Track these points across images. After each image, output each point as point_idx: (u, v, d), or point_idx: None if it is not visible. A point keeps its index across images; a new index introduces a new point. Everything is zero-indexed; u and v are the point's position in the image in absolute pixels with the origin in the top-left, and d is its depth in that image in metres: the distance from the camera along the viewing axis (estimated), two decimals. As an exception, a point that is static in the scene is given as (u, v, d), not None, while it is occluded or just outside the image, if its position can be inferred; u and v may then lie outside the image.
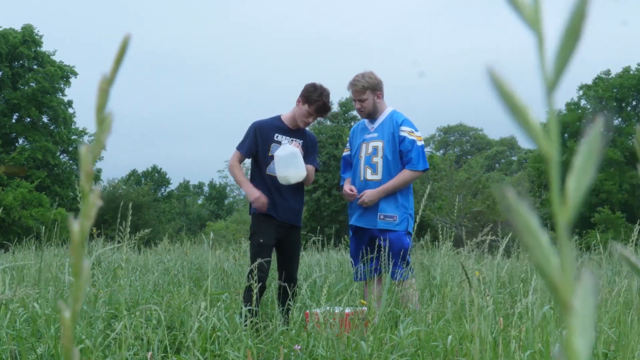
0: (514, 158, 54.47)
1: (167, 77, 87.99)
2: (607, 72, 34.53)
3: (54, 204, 27.42)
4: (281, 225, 4.47)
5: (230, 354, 3.02)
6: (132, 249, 9.04)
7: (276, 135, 4.50)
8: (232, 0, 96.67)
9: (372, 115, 4.64)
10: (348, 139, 4.93)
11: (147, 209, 33.61)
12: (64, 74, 34.22)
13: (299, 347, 3.21)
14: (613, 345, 3.19)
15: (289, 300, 4.02)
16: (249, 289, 4.17)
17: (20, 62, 33.38)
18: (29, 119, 33.32)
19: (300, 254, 4.87)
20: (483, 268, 4.20)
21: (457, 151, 53.14)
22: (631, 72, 33.61)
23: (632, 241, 3.89)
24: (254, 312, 3.98)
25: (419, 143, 4.53)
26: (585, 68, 33.82)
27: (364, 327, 3.34)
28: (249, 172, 4.71)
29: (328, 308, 3.45)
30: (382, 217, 4.49)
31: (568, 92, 35.10)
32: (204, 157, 78.52)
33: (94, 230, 6.34)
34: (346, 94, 30.03)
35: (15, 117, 33.34)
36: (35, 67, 33.47)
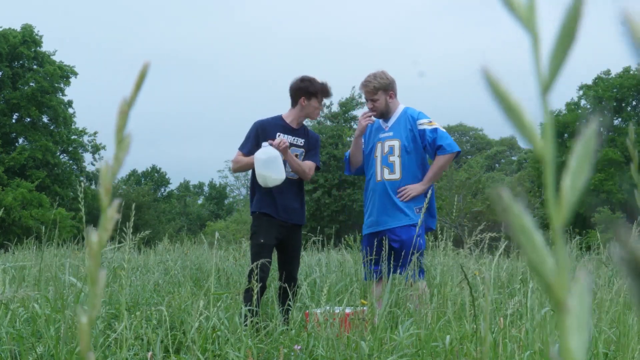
0: (514, 158, 54.45)
1: (167, 77, 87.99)
2: (607, 72, 34.53)
3: (54, 204, 27.40)
4: (282, 225, 4.46)
5: (230, 354, 3.02)
6: (133, 249, 9.04)
7: (278, 134, 4.50)
8: (231, 0, 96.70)
9: (384, 115, 4.63)
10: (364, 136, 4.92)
11: (147, 209, 33.62)
12: (64, 73, 34.23)
13: (299, 347, 3.21)
14: (613, 345, 3.19)
15: (289, 300, 4.02)
16: (249, 289, 4.17)
17: (20, 62, 33.38)
18: (29, 119, 33.32)
19: (301, 254, 4.87)
20: (482, 268, 4.20)
21: (457, 151, 52.96)
22: (631, 72, 33.59)
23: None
24: (254, 312, 3.98)
25: (441, 129, 4.52)
26: (585, 68, 33.83)
27: (364, 327, 3.34)
28: (250, 174, 4.69)
29: (328, 308, 3.45)
30: (417, 210, 4.46)
31: (568, 92, 35.11)
32: (204, 157, 78.54)
33: (94, 230, 6.33)
34: (346, 94, 29.94)
35: (15, 117, 33.34)
36: (35, 67, 33.47)
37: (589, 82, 34.37)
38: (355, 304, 4.00)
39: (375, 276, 4.48)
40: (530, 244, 0.31)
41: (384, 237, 4.47)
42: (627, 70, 33.68)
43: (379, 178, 4.57)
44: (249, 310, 3.85)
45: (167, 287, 5.71)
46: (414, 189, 4.46)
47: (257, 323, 3.68)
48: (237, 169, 4.69)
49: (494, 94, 0.31)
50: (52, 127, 33.98)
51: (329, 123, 29.77)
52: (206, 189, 59.44)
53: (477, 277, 3.68)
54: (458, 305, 3.75)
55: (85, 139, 35.53)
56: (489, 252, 6.96)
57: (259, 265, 3.96)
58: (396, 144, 4.55)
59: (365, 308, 3.61)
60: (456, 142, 4.57)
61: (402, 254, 4.24)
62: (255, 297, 3.97)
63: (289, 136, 4.52)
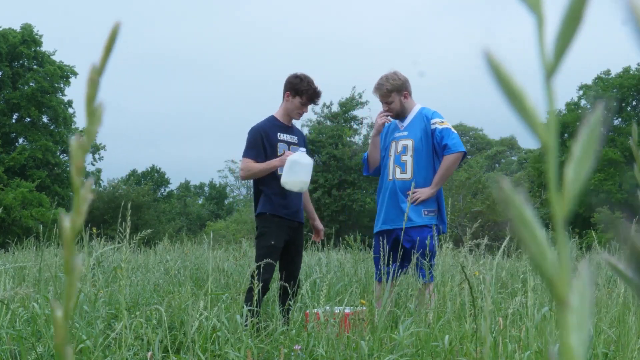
0: (514, 158, 54.46)
1: (167, 77, 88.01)
2: (607, 72, 34.53)
3: (54, 203, 27.42)
4: (290, 226, 4.45)
5: (230, 354, 3.02)
6: (133, 249, 9.03)
7: (279, 134, 4.49)
8: (232, 0, 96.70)
9: (400, 115, 4.61)
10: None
11: (147, 209, 33.60)
12: (64, 73, 34.23)
13: (299, 347, 3.21)
14: (613, 345, 3.19)
15: (290, 300, 4.01)
16: (251, 289, 4.14)
17: (20, 61, 33.38)
18: (28, 119, 33.32)
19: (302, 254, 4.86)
20: (482, 268, 4.20)
21: (457, 151, 52.98)
22: (631, 72, 33.61)
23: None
24: (255, 312, 3.98)
25: (452, 130, 4.51)
26: (585, 68, 33.83)
27: (364, 327, 3.34)
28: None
29: (328, 308, 3.45)
30: (426, 212, 4.46)
31: (568, 92, 35.11)
32: (204, 157, 78.53)
33: (94, 230, 6.33)
34: (346, 94, 29.96)
35: (15, 116, 33.34)
36: (35, 66, 33.47)
37: (589, 82, 34.38)
38: (355, 304, 4.00)
39: (388, 276, 4.47)
40: (531, 237, 0.30)
41: (396, 236, 4.47)
42: (627, 70, 33.68)
43: (390, 177, 4.58)
44: (250, 310, 3.84)
45: (167, 287, 5.71)
46: (423, 192, 4.45)
47: (257, 323, 3.68)
48: (249, 176, 4.50)
49: (496, 77, 0.30)
50: (52, 127, 33.98)
51: (329, 123, 29.76)
52: (206, 189, 59.45)
53: (477, 277, 3.68)
54: (458, 305, 3.74)
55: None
56: (488, 253, 6.96)
57: (265, 267, 3.96)
58: (409, 143, 4.54)
59: (364, 308, 3.61)
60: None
61: (412, 253, 4.23)
62: (256, 297, 3.97)
63: (287, 135, 4.52)
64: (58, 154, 33.83)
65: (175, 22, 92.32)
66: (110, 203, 30.55)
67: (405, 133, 4.59)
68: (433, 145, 4.51)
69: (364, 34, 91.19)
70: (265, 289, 4.32)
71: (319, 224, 4.80)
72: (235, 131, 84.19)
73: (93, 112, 0.38)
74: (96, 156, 36.29)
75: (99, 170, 36.30)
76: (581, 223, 26.91)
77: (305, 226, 4.75)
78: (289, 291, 4.18)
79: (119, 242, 3.26)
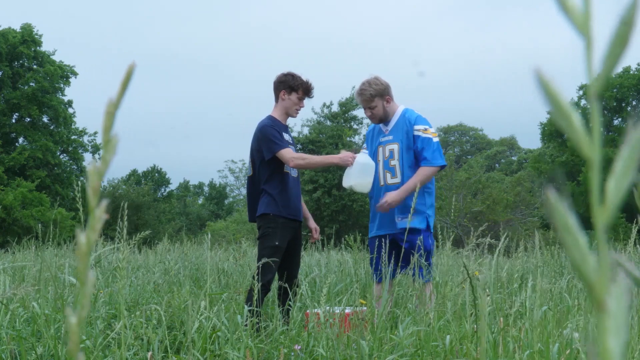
0: (514, 158, 54.45)
1: (167, 77, 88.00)
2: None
3: (54, 203, 27.43)
4: (292, 226, 4.44)
5: (230, 354, 3.02)
6: (132, 249, 9.04)
7: (283, 134, 4.50)
8: (233, 0, 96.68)
9: (383, 120, 4.62)
10: (365, 139, 4.91)
11: (147, 209, 33.60)
12: (64, 73, 34.23)
13: (299, 347, 3.21)
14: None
15: (289, 300, 4.01)
16: (252, 290, 4.12)
17: (20, 61, 33.38)
18: (29, 119, 33.32)
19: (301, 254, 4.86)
20: (482, 268, 4.20)
21: (457, 151, 53.12)
22: (631, 72, 33.62)
23: (631, 241, 3.89)
24: (257, 313, 3.97)
25: (434, 140, 4.50)
26: (585, 68, 33.72)
27: (364, 327, 3.34)
28: (251, 172, 4.62)
29: (328, 308, 3.45)
30: (399, 219, 4.48)
31: (568, 92, 35.11)
32: (204, 157, 78.53)
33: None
34: (347, 94, 29.93)
35: (15, 116, 33.34)
36: (35, 66, 33.47)
37: (589, 82, 34.33)
38: (355, 304, 4.00)
39: (391, 275, 4.47)
40: (574, 243, 0.32)
41: (392, 239, 4.46)
42: (627, 70, 33.68)
43: (382, 183, 4.58)
44: (250, 310, 3.84)
45: (167, 287, 5.71)
46: (392, 196, 4.42)
47: (257, 323, 3.68)
48: (307, 165, 4.53)
49: (546, 95, 0.33)
50: (52, 127, 33.98)
51: (329, 123, 29.76)
52: (205, 188, 59.45)
53: (477, 277, 3.67)
54: (458, 305, 3.75)
55: (85, 139, 35.55)
56: (489, 252, 6.96)
57: (267, 267, 3.96)
58: (395, 147, 4.55)
59: (364, 308, 3.61)
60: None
61: (408, 253, 4.23)
62: (256, 297, 3.97)
63: (288, 135, 4.54)
64: (58, 154, 33.83)
65: (175, 22, 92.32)
66: (110, 203, 30.49)
67: (390, 137, 4.59)
68: (414, 151, 4.52)
69: (364, 33, 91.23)
70: (267, 289, 4.31)
71: (313, 223, 4.81)
72: (235, 131, 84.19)
73: (109, 142, 0.43)
74: (96, 156, 36.23)
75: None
76: (581, 223, 26.86)
77: (304, 227, 4.75)
78: (289, 291, 4.18)
79: (118, 242, 3.27)
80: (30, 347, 3.08)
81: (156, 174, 53.08)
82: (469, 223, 22.61)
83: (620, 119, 33.39)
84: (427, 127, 4.52)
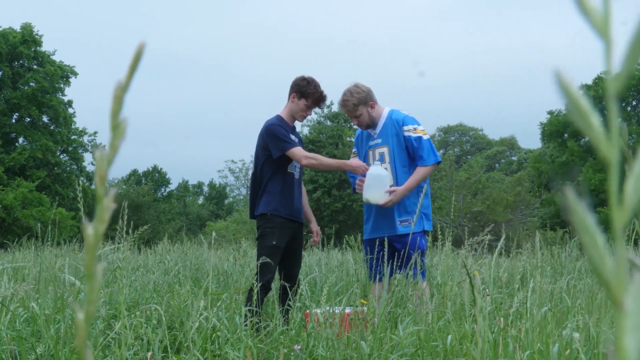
0: (514, 158, 54.47)
1: (167, 77, 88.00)
2: (607, 72, 34.51)
3: (54, 203, 27.39)
4: (291, 227, 4.44)
5: (230, 354, 3.02)
6: (131, 248, 9.03)
7: (291, 134, 4.48)
8: (230, 0, 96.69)
9: (370, 126, 4.61)
10: (354, 143, 4.89)
11: (147, 209, 33.60)
12: (64, 73, 34.23)
13: (299, 347, 3.21)
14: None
15: (289, 300, 4.01)
16: (252, 290, 4.12)
17: (20, 61, 33.39)
18: (29, 119, 33.33)
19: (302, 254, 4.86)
20: (482, 268, 4.20)
21: (457, 151, 53.14)
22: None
23: (629, 241, 3.89)
24: (257, 313, 3.97)
25: (425, 137, 4.51)
26: (585, 68, 33.82)
27: (364, 327, 3.34)
28: (253, 173, 4.62)
29: (328, 308, 3.45)
30: (399, 222, 4.49)
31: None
32: (204, 157, 78.55)
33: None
34: (346, 94, 30.05)
35: (15, 116, 33.34)
36: (35, 66, 33.47)
37: (589, 82, 34.39)
38: (355, 304, 4.00)
39: (377, 277, 4.50)
40: (592, 243, 0.32)
41: (385, 240, 4.47)
42: (627, 70, 33.67)
43: None
44: (250, 310, 3.84)
45: (167, 287, 5.71)
46: (396, 195, 4.45)
47: (257, 323, 3.68)
48: (319, 166, 4.53)
49: (566, 96, 0.33)
50: (52, 127, 33.98)
51: (329, 123, 29.78)
52: (205, 188, 59.45)
53: (477, 277, 3.67)
54: (458, 305, 3.75)
55: (85, 139, 35.56)
56: (488, 252, 6.96)
57: (266, 267, 3.96)
58: (385, 150, 4.55)
59: (365, 308, 3.61)
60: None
61: (404, 254, 4.25)
62: (255, 297, 3.96)
63: (294, 136, 4.51)
64: (58, 154, 33.82)
65: (175, 22, 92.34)
66: (110, 203, 30.54)
67: (379, 140, 4.59)
68: (407, 151, 4.53)
69: (364, 33, 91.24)
70: (267, 289, 4.31)
71: (315, 226, 4.80)
72: (235, 131, 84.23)
73: (117, 126, 0.40)
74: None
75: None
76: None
77: (305, 226, 4.74)
78: (289, 291, 4.18)
79: (118, 242, 3.27)
80: (30, 347, 3.08)
81: (156, 174, 53.08)
82: (468, 223, 22.62)
83: (620, 119, 33.36)
84: (416, 125, 4.53)
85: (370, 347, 3.06)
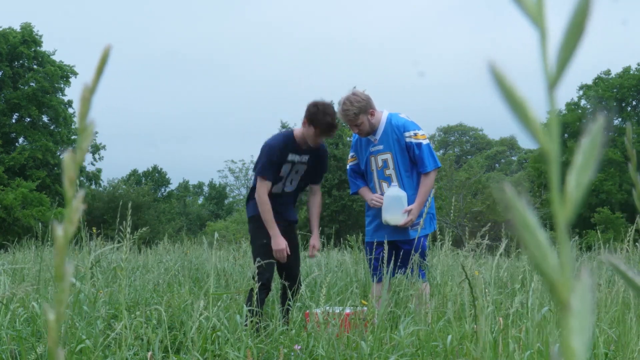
0: (514, 158, 54.48)
1: (166, 77, 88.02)
2: (607, 72, 34.54)
3: (54, 203, 27.41)
4: (280, 225, 4.43)
5: (230, 354, 3.02)
6: (132, 249, 9.03)
7: (290, 155, 4.39)
8: (228, 0, 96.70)
9: (370, 133, 4.58)
10: (352, 147, 4.83)
11: (147, 209, 33.60)
12: (64, 73, 34.23)
13: (299, 347, 3.21)
14: (613, 345, 3.19)
15: (289, 300, 4.01)
16: (253, 290, 4.11)
17: (20, 61, 33.38)
18: (29, 119, 33.32)
19: (300, 253, 4.86)
20: (482, 268, 4.20)
21: (457, 151, 53.13)
22: (631, 72, 33.62)
23: (628, 240, 3.89)
24: (258, 313, 3.97)
25: (425, 143, 4.50)
26: (585, 68, 33.83)
27: (364, 327, 3.34)
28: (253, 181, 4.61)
29: (328, 308, 3.45)
30: (410, 226, 4.49)
31: (568, 92, 35.13)
32: (204, 157, 78.54)
33: (94, 230, 6.33)
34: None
35: (15, 116, 33.34)
36: (35, 66, 33.47)
37: (589, 82, 34.39)
38: (355, 304, 4.00)
39: (375, 277, 4.52)
40: (533, 241, 0.30)
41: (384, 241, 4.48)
42: (627, 70, 33.69)
43: (378, 192, 4.57)
44: (250, 310, 3.84)
45: (167, 287, 5.71)
46: (413, 214, 4.46)
47: (257, 323, 3.68)
48: (261, 208, 4.35)
49: (500, 88, 0.31)
50: (52, 127, 33.98)
51: (329, 123, 29.72)
52: (205, 188, 59.46)
53: (477, 277, 3.68)
54: (458, 305, 3.75)
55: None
56: (488, 253, 6.96)
57: (264, 265, 3.96)
58: (388, 156, 4.53)
59: (365, 308, 3.61)
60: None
61: (410, 255, 4.27)
62: (256, 297, 3.97)
63: (297, 155, 4.42)
64: (58, 154, 33.82)
65: (176, 22, 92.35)
66: (109, 203, 30.56)
67: (381, 147, 4.56)
68: (410, 157, 4.52)
69: (365, 33, 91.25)
70: (267, 289, 4.32)
71: (315, 240, 4.68)
72: (235, 131, 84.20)
73: (85, 129, 0.40)
74: (96, 156, 36.27)
75: (99, 171, 36.28)
76: (581, 223, 26.91)
77: (304, 227, 4.74)
78: (288, 291, 4.18)
79: (118, 242, 3.27)
80: (30, 347, 3.09)
81: (156, 174, 53.09)
82: (468, 223, 22.62)
83: (620, 119, 33.38)
84: (416, 131, 4.51)
85: (370, 347, 3.06)
